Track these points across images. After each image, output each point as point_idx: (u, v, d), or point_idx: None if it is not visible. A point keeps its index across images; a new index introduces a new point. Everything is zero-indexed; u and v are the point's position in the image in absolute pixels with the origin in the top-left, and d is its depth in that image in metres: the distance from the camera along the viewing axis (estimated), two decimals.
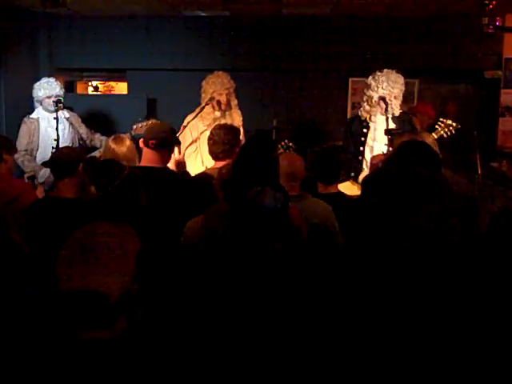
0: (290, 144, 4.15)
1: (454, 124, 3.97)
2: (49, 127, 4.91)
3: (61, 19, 6.62)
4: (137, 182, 2.74)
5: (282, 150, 4.21)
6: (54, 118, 4.74)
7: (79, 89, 7.53)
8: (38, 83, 5.08)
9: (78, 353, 1.35)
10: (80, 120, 5.27)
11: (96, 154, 4.58)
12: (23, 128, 5.01)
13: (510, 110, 6.54)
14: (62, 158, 3.09)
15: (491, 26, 5.05)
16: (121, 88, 7.81)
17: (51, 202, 3.04)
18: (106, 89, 7.98)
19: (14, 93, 6.13)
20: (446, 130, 3.94)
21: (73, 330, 1.38)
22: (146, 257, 1.46)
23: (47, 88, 4.96)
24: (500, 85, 6.54)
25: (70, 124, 5.10)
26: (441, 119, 4.02)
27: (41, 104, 5.01)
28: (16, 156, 4.82)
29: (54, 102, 4.81)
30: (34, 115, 5.05)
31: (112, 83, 7.97)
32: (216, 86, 4.47)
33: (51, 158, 3.24)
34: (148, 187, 3.06)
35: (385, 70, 4.36)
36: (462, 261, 1.85)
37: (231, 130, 3.63)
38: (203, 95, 4.56)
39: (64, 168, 3.05)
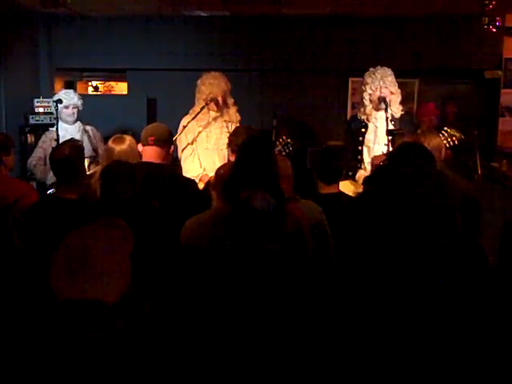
0: (288, 140, 4.12)
1: (458, 134, 3.94)
2: (67, 137, 4.63)
3: (61, 19, 6.62)
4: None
5: (279, 147, 4.20)
6: (55, 119, 4.73)
7: (79, 89, 7.53)
8: (56, 95, 5.01)
9: (74, 349, 1.35)
10: (99, 136, 5.13)
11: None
12: (42, 138, 4.99)
13: (510, 110, 6.54)
14: (64, 163, 2.97)
15: (491, 26, 5.05)
16: (121, 88, 7.81)
17: (54, 202, 2.98)
18: (105, 89, 7.99)
19: (14, 93, 6.13)
20: (449, 139, 3.93)
21: (69, 333, 1.38)
22: (141, 253, 1.44)
23: (65, 98, 4.88)
24: (500, 85, 6.54)
25: (88, 137, 4.99)
26: (445, 128, 4.00)
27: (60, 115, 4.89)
28: (29, 160, 4.90)
29: (54, 101, 4.80)
30: (54, 128, 4.86)
31: (112, 83, 7.98)
32: (213, 87, 4.43)
33: (52, 159, 3.07)
34: (149, 182, 3.09)
35: (372, 69, 4.34)
36: (462, 260, 1.85)
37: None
38: (198, 95, 4.52)
39: (68, 173, 2.98)
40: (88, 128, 5.05)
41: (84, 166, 3.15)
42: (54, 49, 6.78)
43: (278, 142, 4.24)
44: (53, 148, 3.05)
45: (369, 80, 4.29)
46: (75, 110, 4.95)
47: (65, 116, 4.90)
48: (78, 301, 1.33)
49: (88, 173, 4.13)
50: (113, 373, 1.34)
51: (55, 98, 4.93)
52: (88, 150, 4.82)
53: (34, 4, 5.63)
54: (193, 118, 4.46)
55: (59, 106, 4.88)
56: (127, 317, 1.41)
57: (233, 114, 4.60)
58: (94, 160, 4.81)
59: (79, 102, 4.99)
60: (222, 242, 2.16)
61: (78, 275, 1.34)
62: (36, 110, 6.19)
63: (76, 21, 6.64)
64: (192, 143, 4.55)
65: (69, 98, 4.91)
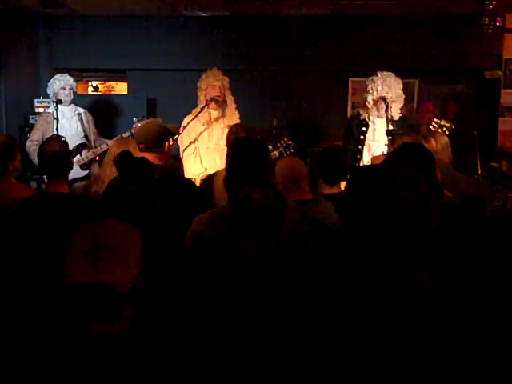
0: (289, 142, 4.13)
1: (448, 125, 3.93)
2: (63, 119, 4.98)
3: (61, 19, 6.63)
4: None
5: (281, 149, 4.20)
6: (55, 118, 4.75)
7: (79, 89, 7.50)
8: (51, 79, 5.26)
9: (86, 347, 1.38)
10: (91, 119, 5.34)
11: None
12: (39, 120, 5.20)
13: (510, 109, 6.55)
14: (53, 160, 2.97)
15: (491, 26, 5.05)
16: (121, 88, 7.80)
17: (46, 197, 2.98)
18: (105, 89, 7.97)
19: (14, 93, 6.13)
20: (440, 130, 3.92)
21: (82, 323, 1.41)
22: (149, 254, 1.49)
23: (61, 79, 5.15)
24: (500, 85, 6.54)
25: (80, 120, 5.18)
26: (435, 120, 4.00)
27: (56, 98, 5.09)
28: (28, 144, 5.04)
29: (53, 102, 4.84)
30: (50, 109, 5.20)
31: (112, 83, 7.96)
32: (208, 78, 4.50)
33: (43, 155, 3.04)
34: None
35: (379, 73, 4.31)
36: (460, 257, 1.85)
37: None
38: (199, 94, 4.57)
39: (59, 167, 3.00)
40: (81, 111, 5.28)
41: (71, 159, 3.25)
42: (54, 49, 6.78)
43: (279, 144, 4.25)
44: (40, 145, 3.09)
45: (373, 83, 4.27)
46: (71, 91, 5.20)
47: (63, 96, 5.09)
48: (91, 284, 1.38)
49: (77, 159, 4.76)
50: (118, 367, 1.36)
51: (50, 83, 5.18)
52: (79, 136, 5.14)
53: (34, 4, 5.63)
54: (193, 118, 4.48)
55: (54, 87, 5.13)
56: (135, 307, 1.45)
57: (233, 115, 4.61)
58: (85, 146, 5.06)
59: (74, 84, 5.28)
60: (222, 239, 2.16)
61: (91, 261, 1.39)
62: (36, 110, 6.19)
63: (76, 21, 6.64)
64: (194, 142, 4.56)
65: (65, 80, 5.17)
